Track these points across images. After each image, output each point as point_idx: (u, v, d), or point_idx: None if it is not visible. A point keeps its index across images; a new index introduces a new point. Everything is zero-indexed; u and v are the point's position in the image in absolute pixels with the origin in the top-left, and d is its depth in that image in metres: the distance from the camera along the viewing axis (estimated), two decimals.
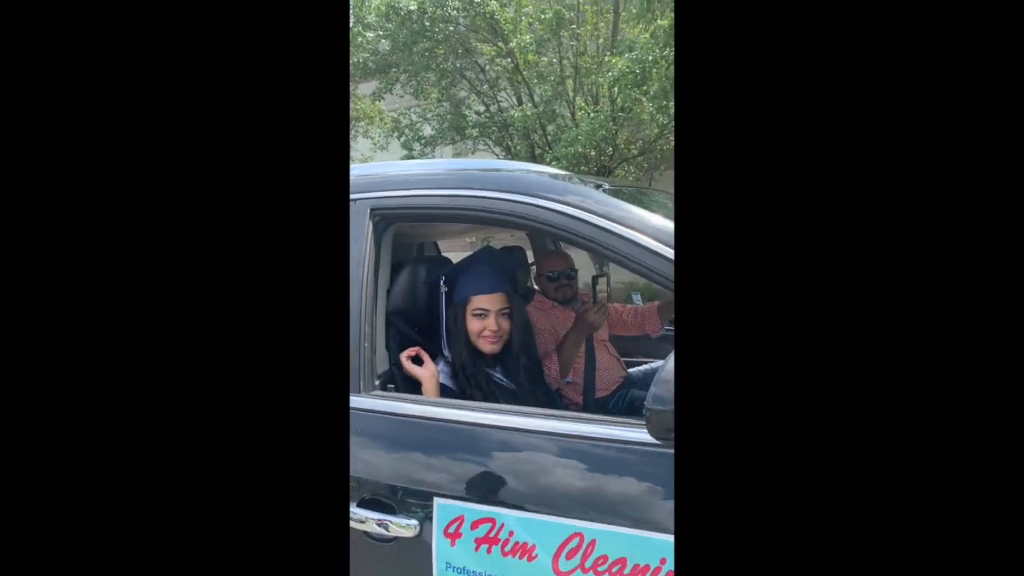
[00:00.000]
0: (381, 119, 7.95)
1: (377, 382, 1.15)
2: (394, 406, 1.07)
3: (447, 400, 1.19)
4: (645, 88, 6.19)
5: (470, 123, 7.28)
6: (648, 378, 2.16)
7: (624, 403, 1.91)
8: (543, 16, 6.52)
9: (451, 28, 6.93)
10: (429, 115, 7.66)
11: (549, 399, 1.39)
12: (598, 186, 1.15)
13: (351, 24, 7.43)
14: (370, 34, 7.34)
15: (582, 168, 6.31)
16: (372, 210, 1.16)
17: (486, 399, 1.25)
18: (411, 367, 1.25)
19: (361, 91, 8.13)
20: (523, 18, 6.71)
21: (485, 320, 1.28)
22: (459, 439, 1.01)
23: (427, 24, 6.80)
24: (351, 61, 7.32)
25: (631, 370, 2.15)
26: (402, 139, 7.45)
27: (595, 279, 1.82)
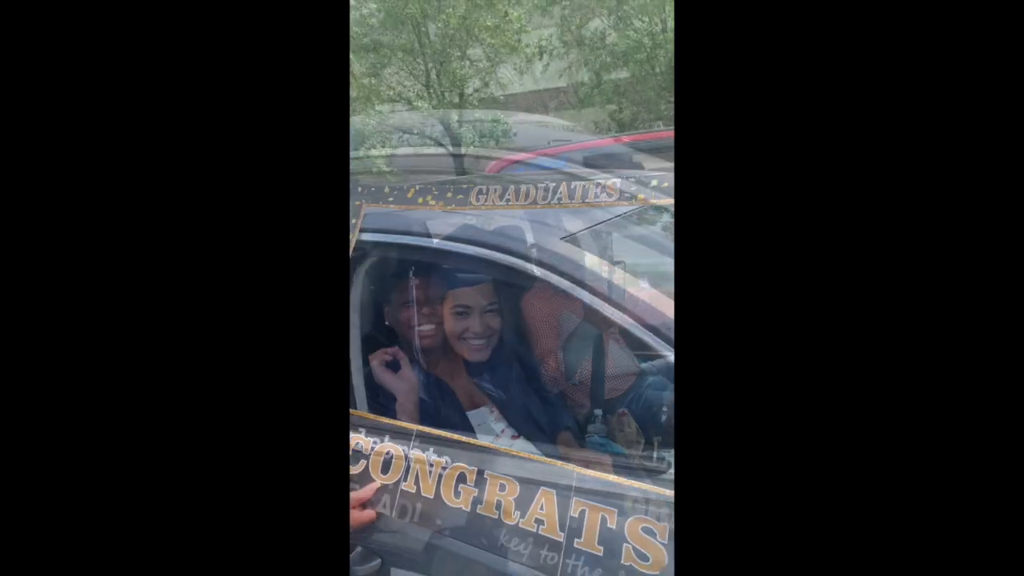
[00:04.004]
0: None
1: None
2: (354, 440, 0.85)
3: (422, 430, 0.95)
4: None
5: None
6: (663, 372, 1.93)
7: (638, 405, 1.68)
8: None
9: None
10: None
11: (545, 409, 1.14)
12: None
13: None
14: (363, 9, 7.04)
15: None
16: None
17: (465, 415, 1.03)
18: (384, 375, 1.02)
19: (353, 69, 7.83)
20: None
21: (467, 319, 1.04)
22: None
23: None
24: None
25: (643, 364, 1.91)
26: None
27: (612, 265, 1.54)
